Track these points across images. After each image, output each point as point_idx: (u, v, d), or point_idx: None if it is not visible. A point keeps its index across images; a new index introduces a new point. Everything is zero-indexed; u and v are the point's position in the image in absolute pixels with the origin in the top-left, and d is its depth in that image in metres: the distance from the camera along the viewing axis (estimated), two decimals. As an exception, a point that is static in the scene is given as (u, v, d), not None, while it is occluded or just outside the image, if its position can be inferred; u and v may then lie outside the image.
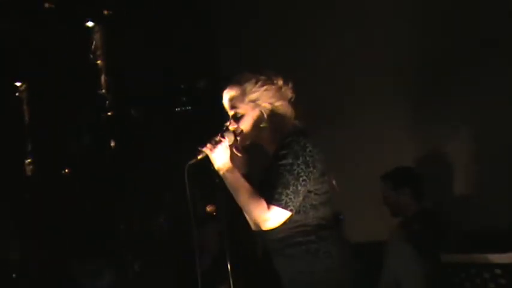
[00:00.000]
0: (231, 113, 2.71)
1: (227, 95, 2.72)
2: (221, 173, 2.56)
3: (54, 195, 5.70)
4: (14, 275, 5.37)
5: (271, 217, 2.49)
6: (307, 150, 2.52)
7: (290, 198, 2.48)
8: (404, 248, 3.74)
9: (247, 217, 2.57)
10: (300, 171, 2.50)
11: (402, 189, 3.93)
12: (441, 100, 4.21)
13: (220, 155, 2.56)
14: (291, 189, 2.48)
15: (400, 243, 3.79)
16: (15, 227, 5.66)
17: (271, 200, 2.48)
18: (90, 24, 5.80)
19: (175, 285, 5.09)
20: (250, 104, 2.67)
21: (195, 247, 2.72)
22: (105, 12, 5.80)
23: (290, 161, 2.50)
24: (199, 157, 2.57)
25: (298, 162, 2.50)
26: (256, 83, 2.68)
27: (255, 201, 2.50)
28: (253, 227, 2.60)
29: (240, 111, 2.68)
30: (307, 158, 2.51)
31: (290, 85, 2.75)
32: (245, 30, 5.49)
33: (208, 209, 4.95)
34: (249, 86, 2.68)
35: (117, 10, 5.81)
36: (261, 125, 2.68)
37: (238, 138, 2.68)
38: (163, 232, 5.59)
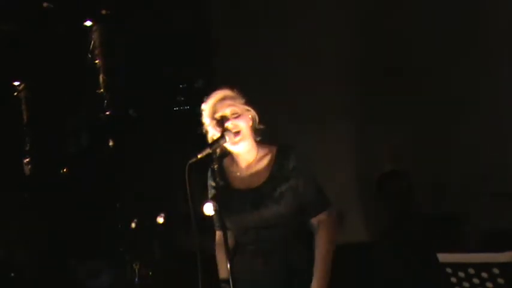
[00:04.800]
0: (226, 110, 2.76)
1: (221, 94, 2.82)
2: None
3: (53, 195, 5.70)
4: (12, 275, 5.38)
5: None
6: None
7: None
8: (400, 247, 3.76)
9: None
10: None
11: (392, 192, 3.94)
12: (437, 100, 4.24)
13: None
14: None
15: (395, 243, 3.81)
16: (14, 226, 5.65)
17: (330, 206, 2.79)
18: (88, 23, 5.80)
19: (176, 285, 5.10)
20: (245, 106, 2.81)
21: (195, 246, 2.72)
22: (104, 11, 5.79)
23: (312, 169, 2.81)
24: (199, 156, 2.59)
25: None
26: (243, 96, 2.85)
27: (332, 237, 2.73)
28: None
29: (238, 110, 2.77)
30: None
31: None
32: (242, 30, 5.50)
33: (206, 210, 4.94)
34: (239, 94, 2.83)
35: (115, 9, 5.81)
36: (250, 129, 2.81)
37: (237, 137, 2.72)
38: (162, 231, 5.59)
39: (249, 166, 2.84)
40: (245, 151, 2.82)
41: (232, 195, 2.83)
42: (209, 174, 2.90)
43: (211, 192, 2.91)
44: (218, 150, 2.82)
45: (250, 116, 2.80)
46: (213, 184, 2.87)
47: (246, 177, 2.83)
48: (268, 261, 2.73)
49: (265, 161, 2.81)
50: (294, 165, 2.75)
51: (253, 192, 2.76)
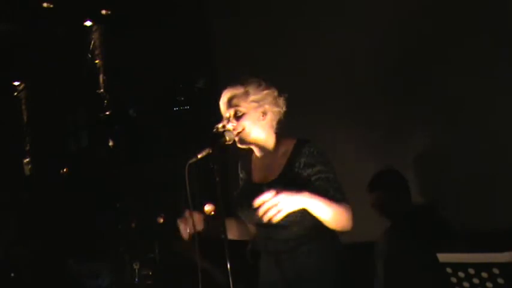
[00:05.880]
0: (230, 111, 2.74)
1: (229, 93, 2.77)
2: (304, 206, 2.45)
3: (53, 195, 5.70)
4: (12, 275, 5.38)
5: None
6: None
7: None
8: (400, 247, 3.76)
9: (331, 224, 2.56)
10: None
11: (390, 191, 3.94)
12: (437, 100, 4.24)
13: (299, 200, 2.43)
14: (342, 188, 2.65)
15: (395, 243, 3.81)
16: (14, 226, 5.66)
17: (347, 203, 2.60)
18: (88, 23, 5.80)
19: (176, 285, 5.10)
20: (253, 103, 2.73)
21: (195, 246, 2.72)
22: (104, 11, 5.80)
23: (330, 165, 2.67)
24: (199, 156, 2.58)
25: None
26: (259, 86, 2.76)
27: (342, 209, 2.55)
28: (339, 228, 2.59)
29: (243, 109, 2.73)
30: None
31: (284, 97, 2.85)
32: (243, 29, 5.50)
33: (207, 208, 4.94)
34: (252, 88, 2.74)
35: (115, 10, 5.81)
36: (261, 125, 2.75)
37: (238, 136, 2.71)
38: (162, 232, 5.59)
39: (266, 160, 2.80)
40: (258, 146, 2.79)
41: (247, 189, 2.81)
42: (239, 165, 2.93)
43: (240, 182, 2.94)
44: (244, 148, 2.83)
45: (261, 112, 2.73)
46: (241, 175, 2.91)
47: (262, 172, 2.79)
48: (277, 261, 2.69)
49: (281, 156, 2.74)
50: (305, 161, 2.64)
51: (263, 187, 2.66)
